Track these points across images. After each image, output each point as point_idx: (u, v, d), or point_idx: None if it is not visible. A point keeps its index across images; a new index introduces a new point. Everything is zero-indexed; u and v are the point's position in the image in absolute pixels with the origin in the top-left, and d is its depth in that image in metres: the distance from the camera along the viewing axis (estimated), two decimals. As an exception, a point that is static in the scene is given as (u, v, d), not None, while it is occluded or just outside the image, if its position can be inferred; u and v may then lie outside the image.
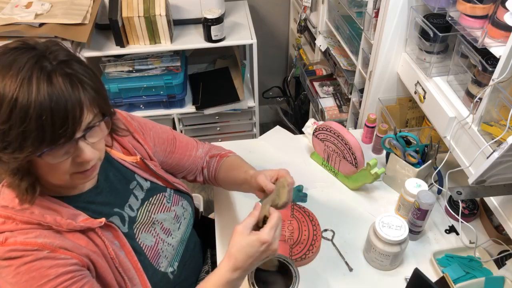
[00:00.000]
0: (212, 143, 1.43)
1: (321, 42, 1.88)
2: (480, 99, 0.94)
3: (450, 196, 1.19)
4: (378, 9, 1.27)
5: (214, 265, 1.17)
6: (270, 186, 0.89)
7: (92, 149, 0.71)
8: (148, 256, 0.88)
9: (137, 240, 0.88)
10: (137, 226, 0.89)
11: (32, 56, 0.64)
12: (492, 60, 0.94)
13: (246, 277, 0.88)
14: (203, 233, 1.17)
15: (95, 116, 0.69)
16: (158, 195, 0.96)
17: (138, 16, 1.68)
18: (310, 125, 1.40)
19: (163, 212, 0.95)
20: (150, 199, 0.94)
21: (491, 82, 0.89)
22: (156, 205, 0.95)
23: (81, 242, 0.76)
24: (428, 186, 1.10)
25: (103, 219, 0.79)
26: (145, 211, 0.92)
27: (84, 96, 0.66)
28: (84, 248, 0.76)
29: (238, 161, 1.09)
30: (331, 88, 1.96)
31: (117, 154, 0.91)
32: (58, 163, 0.68)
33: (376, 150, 1.38)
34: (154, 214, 0.94)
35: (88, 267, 0.76)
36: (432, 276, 1.04)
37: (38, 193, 0.72)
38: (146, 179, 0.95)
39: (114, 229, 0.82)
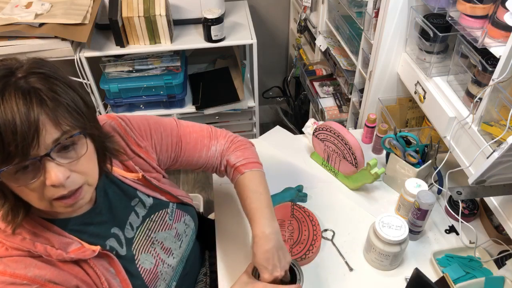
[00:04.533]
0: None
1: (321, 42, 1.87)
2: (480, 99, 0.94)
3: (450, 196, 1.19)
4: (378, 9, 1.27)
5: (212, 266, 1.17)
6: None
7: (65, 170, 0.64)
8: (145, 280, 0.85)
9: (136, 262, 0.85)
10: (136, 248, 0.86)
11: None
12: (492, 60, 0.94)
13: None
14: (202, 234, 1.16)
15: (63, 134, 0.63)
16: (161, 212, 0.93)
17: (138, 16, 1.68)
18: (310, 125, 1.40)
19: (164, 230, 0.92)
20: (152, 216, 0.91)
21: (491, 82, 0.89)
22: (158, 222, 0.92)
23: (72, 271, 0.73)
24: (428, 186, 1.10)
25: (97, 248, 0.75)
26: (145, 229, 0.89)
27: (41, 111, 0.60)
28: (74, 279, 0.73)
29: (246, 188, 0.97)
30: (331, 88, 1.96)
31: (117, 171, 0.87)
32: (27, 187, 0.64)
33: (376, 150, 1.38)
34: (154, 233, 0.90)
35: None
36: (432, 276, 1.04)
37: (22, 218, 0.69)
38: (148, 195, 0.91)
39: (109, 256, 0.79)
